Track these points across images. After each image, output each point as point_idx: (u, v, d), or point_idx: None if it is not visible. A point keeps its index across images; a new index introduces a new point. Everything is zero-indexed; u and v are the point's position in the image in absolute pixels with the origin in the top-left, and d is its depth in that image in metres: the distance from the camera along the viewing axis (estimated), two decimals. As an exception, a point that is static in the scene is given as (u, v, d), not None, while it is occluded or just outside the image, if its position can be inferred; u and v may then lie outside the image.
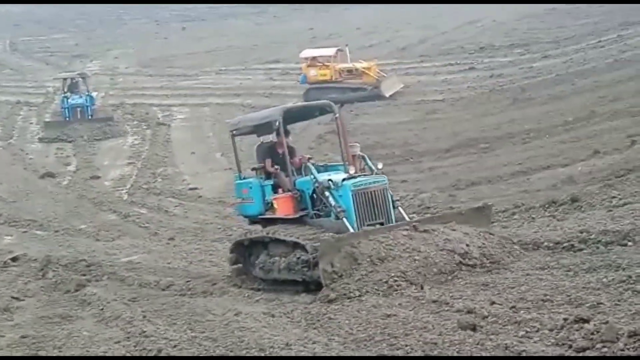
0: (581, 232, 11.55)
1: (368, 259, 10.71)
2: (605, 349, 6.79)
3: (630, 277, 8.91)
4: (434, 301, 9.48)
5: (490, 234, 11.81)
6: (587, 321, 7.38)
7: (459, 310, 8.90)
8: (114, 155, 30.62)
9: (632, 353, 6.53)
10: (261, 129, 13.70)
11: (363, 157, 12.88)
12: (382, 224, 11.88)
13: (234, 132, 14.03)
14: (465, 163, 22.22)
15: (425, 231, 11.34)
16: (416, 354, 7.79)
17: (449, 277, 10.59)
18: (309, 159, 13.13)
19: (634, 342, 6.68)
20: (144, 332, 10.00)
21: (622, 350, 6.65)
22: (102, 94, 40.73)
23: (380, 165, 12.68)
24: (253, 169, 13.38)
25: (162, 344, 9.35)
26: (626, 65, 29.69)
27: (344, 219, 11.65)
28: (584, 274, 9.64)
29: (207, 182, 24.82)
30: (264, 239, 12.52)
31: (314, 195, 12.37)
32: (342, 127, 13.20)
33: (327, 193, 11.93)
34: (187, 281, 13.21)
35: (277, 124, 12.73)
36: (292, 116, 13.74)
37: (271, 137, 13.55)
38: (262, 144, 13.62)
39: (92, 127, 33.25)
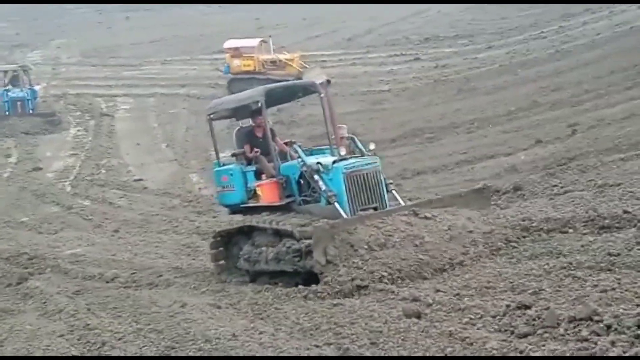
0: (524, 220, 11.71)
1: (366, 247, 10.05)
2: (546, 334, 6.92)
3: (570, 263, 9.09)
4: (380, 290, 9.54)
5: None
6: (529, 307, 7.51)
7: (404, 298, 8.96)
8: (56, 147, 30.13)
9: (571, 338, 6.66)
10: (241, 112, 13.09)
11: (352, 139, 12.23)
12: (375, 208, 11.28)
13: (212, 116, 13.16)
14: (411, 153, 22.41)
15: (425, 217, 10.75)
16: (362, 343, 7.84)
17: (455, 268, 10.01)
18: (293, 142, 12.55)
19: (574, 327, 6.81)
20: (88, 325, 9.87)
21: (563, 335, 6.78)
22: (44, 85, 39.99)
23: (372, 146, 11.98)
24: (233, 155, 12.76)
25: (107, 336, 9.24)
26: (567, 55, 30.22)
27: (336, 204, 10.99)
28: (526, 261, 9.80)
29: (152, 174, 24.61)
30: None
31: (301, 180, 11.76)
32: (329, 107, 12.46)
33: (316, 177, 11.30)
34: (132, 273, 13.08)
35: (259, 105, 12.06)
36: (274, 97, 12.94)
37: (251, 121, 13.01)
38: (241, 129, 13.03)
39: (33, 122, 32.58)
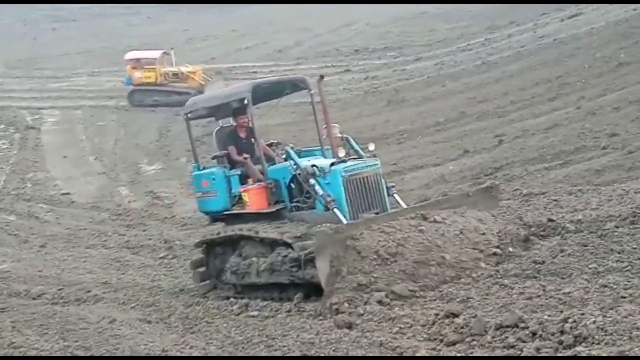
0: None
1: (375, 255, 9.11)
2: (474, 342, 7.04)
3: (497, 271, 9.25)
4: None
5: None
6: (457, 315, 7.63)
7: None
8: (-21, 161, 29.27)
9: (498, 345, 6.79)
10: (222, 110, 12.28)
11: (347, 139, 11.29)
12: (376, 214, 10.32)
13: (189, 115, 12.19)
14: (342, 164, 22.49)
15: (435, 221, 9.88)
16: (294, 354, 7.86)
17: (470, 277, 9.26)
18: (278, 143, 11.97)
19: (501, 334, 6.95)
20: (13, 343, 9.56)
21: (490, 342, 6.91)
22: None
23: (371, 147, 11.19)
24: (214, 158, 11.83)
25: (33, 354, 9.01)
26: (493, 67, 30.86)
27: (335, 210, 10.10)
28: (454, 269, 9.94)
29: (80, 187, 24.10)
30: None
31: (292, 184, 10.94)
32: (322, 104, 11.40)
33: (312, 181, 10.43)
34: (59, 289, 12.76)
35: (245, 102, 11.25)
36: (261, 94, 11.96)
37: (232, 121, 12.25)
38: (221, 129, 12.24)
39: None
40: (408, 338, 7.60)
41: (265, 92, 12.32)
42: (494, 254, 9.75)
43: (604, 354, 5.91)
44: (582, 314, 6.76)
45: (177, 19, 64.15)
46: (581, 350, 6.10)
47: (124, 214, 19.87)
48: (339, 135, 11.34)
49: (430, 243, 9.47)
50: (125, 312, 10.86)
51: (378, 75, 35.32)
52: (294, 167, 10.74)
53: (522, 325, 6.90)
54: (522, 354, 6.41)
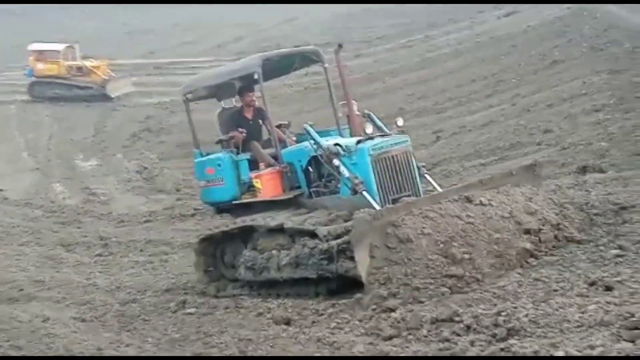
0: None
1: (419, 244, 8.08)
2: (410, 336, 7.09)
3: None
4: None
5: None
6: (393, 310, 7.67)
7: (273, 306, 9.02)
8: None
9: (434, 339, 6.86)
10: (226, 89, 11.33)
11: (368, 115, 10.17)
12: (408, 197, 9.28)
13: (188, 96, 11.24)
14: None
15: (481, 203, 8.83)
16: (231, 351, 7.80)
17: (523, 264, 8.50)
18: (286, 125, 11.11)
19: (436, 328, 7.02)
20: (-58, 344, 9.33)
21: (426, 336, 6.97)
22: None
23: (400, 122, 10.06)
24: (218, 142, 10.77)
25: (-39, 357, 8.78)
26: (432, 64, 31.14)
27: (364, 193, 9.10)
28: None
29: (13, 184, 23.53)
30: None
31: (310, 167, 10.04)
32: (340, 77, 10.60)
33: (336, 161, 9.40)
34: (-9, 288, 12.47)
35: (255, 76, 10.26)
36: (270, 68, 10.79)
37: (234, 101, 11.44)
38: (224, 110, 11.35)
39: None
40: (345, 333, 7.62)
41: (275, 67, 11.30)
42: (555, 236, 8.96)
43: (536, 346, 5.99)
44: (515, 307, 6.87)
45: (114, 13, 63.20)
46: (514, 342, 6.19)
47: (58, 211, 19.48)
48: (359, 112, 10.43)
49: (480, 229, 8.51)
50: (59, 311, 10.63)
51: (318, 71, 35.19)
52: (315, 147, 9.74)
53: (457, 319, 6.98)
54: (457, 347, 6.47)
